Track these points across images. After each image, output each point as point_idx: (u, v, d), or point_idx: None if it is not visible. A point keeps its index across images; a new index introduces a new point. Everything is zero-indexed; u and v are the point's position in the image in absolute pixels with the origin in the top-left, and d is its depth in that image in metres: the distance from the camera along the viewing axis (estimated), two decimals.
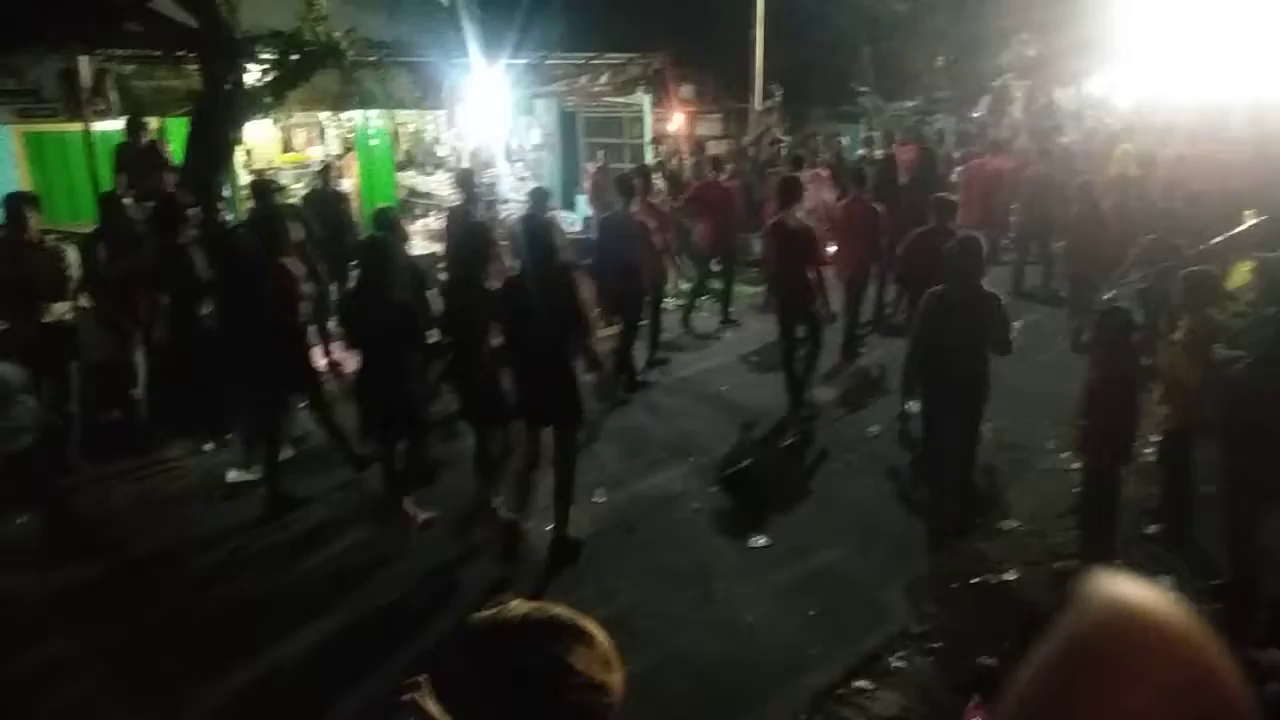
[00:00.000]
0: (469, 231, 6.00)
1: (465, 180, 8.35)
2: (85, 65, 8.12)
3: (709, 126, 16.58)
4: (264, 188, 7.48)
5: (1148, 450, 5.55)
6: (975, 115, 17.19)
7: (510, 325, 4.97)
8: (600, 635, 1.32)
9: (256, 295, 5.62)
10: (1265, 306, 4.76)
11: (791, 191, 7.07)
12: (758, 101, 14.48)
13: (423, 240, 11.27)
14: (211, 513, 5.78)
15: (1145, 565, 4.86)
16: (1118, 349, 4.67)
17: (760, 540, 5.30)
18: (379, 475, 5.62)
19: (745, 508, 5.74)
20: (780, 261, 7.01)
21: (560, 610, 1.35)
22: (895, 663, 4.22)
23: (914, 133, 14.26)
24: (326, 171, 9.39)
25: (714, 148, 14.94)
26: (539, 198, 8.02)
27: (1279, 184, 8.25)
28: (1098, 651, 0.70)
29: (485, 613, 1.36)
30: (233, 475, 6.15)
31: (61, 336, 6.25)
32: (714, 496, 5.89)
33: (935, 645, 4.32)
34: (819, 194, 9.57)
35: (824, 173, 10.76)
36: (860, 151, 13.80)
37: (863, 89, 18.36)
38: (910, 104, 18.55)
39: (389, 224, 6.64)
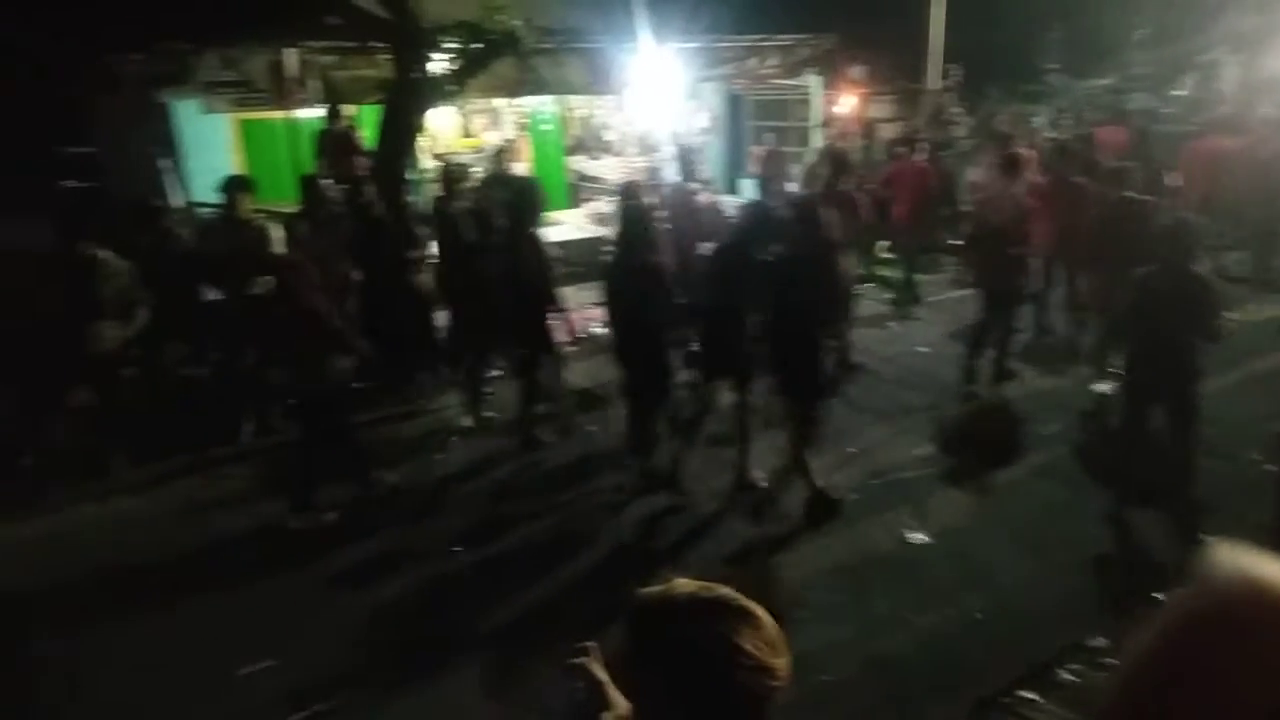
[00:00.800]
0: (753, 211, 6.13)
1: (684, 157, 8.55)
2: (291, 57, 8.78)
3: (881, 108, 16.03)
4: (456, 172, 7.94)
5: None
6: (1178, 94, 15.80)
7: (777, 298, 5.26)
8: (767, 618, 1.33)
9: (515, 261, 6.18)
10: None
11: (1013, 166, 7.13)
12: (934, 82, 13.86)
13: (590, 223, 11.57)
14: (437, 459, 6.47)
15: None
16: None
17: (919, 537, 5.15)
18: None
19: (908, 501, 5.58)
20: (988, 238, 6.99)
21: (728, 591, 1.35)
22: (1065, 676, 4.01)
23: (1109, 112, 13.28)
24: (501, 156, 9.80)
25: (886, 130, 14.48)
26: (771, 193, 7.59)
27: None
28: (1237, 617, 0.71)
29: (653, 588, 1.38)
30: (466, 422, 6.95)
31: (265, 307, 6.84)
32: (876, 488, 5.77)
33: (1110, 661, 4.07)
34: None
35: (1028, 152, 10.21)
36: (1050, 134, 12.99)
37: (1050, 66, 17.24)
38: (1103, 82, 17.28)
39: (636, 195, 6.67)
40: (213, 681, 4.07)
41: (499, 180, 9.05)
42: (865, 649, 4.24)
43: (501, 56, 8.77)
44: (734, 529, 5.40)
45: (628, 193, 6.69)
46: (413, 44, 8.03)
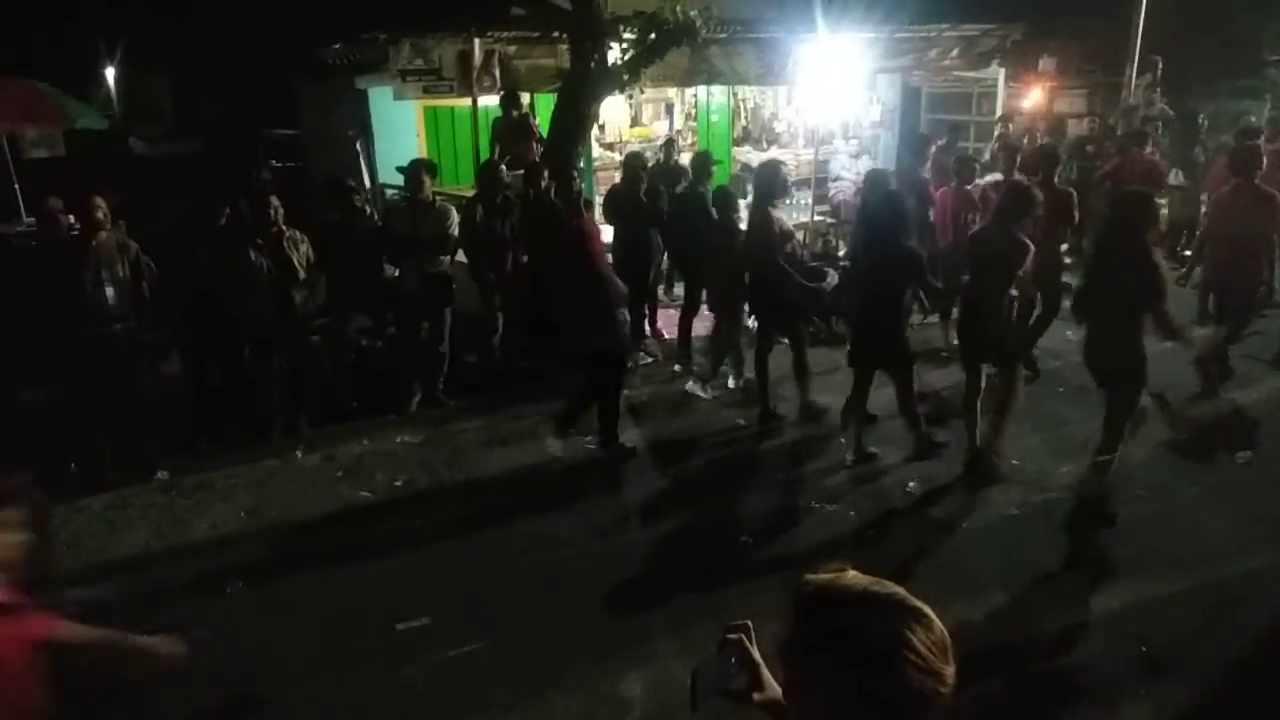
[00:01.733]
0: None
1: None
2: (477, 46, 9.21)
3: (1071, 102, 15.09)
4: (636, 162, 8.19)
5: None
6: None
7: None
8: (939, 624, 1.28)
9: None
10: None
11: (1250, 159, 6.80)
12: (1134, 73, 12.88)
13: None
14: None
15: None
16: None
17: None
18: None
19: (1065, 525, 5.28)
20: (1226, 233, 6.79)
21: (901, 590, 1.31)
22: None
23: None
24: (670, 146, 9.94)
25: (1075, 126, 13.62)
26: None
27: None
28: None
29: (823, 575, 1.35)
30: (691, 386, 7.38)
31: (441, 286, 7.24)
32: (1038, 508, 5.49)
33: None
34: None
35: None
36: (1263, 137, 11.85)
37: (1274, 58, 15.66)
38: None
39: (883, 183, 6.73)
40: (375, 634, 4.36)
41: (665, 170, 9.19)
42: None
43: (676, 46, 8.87)
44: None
45: (874, 181, 6.86)
46: (593, 34, 8.25)
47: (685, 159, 12.60)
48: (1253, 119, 12.10)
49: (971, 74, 12.32)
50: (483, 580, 4.79)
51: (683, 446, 6.49)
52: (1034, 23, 12.47)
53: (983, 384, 5.85)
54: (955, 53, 11.63)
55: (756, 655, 1.57)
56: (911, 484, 5.73)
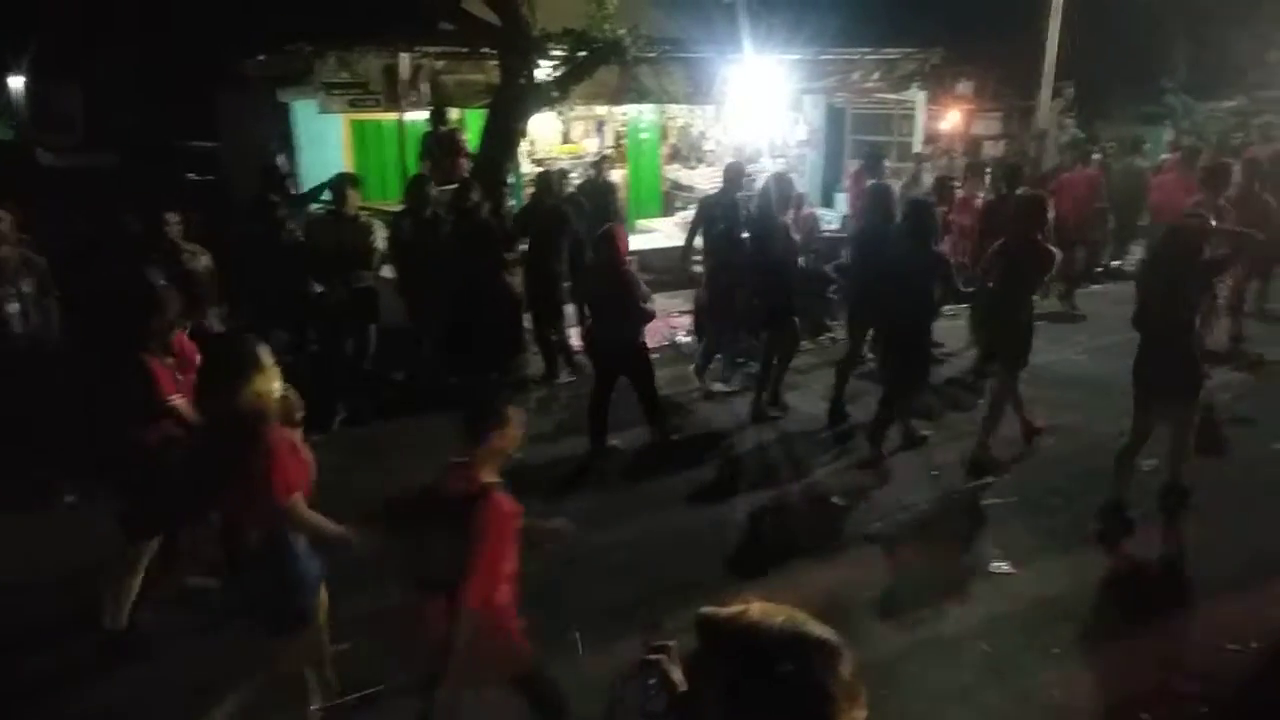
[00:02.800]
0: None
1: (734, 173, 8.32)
2: (405, 61, 9.13)
3: (987, 125, 15.63)
4: (555, 177, 8.19)
5: None
6: None
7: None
8: (850, 662, 1.23)
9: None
10: None
11: (1219, 178, 7.58)
12: (1046, 99, 13.43)
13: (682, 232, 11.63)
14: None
15: None
16: None
17: (1003, 567, 5.01)
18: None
19: (991, 530, 5.44)
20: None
21: (814, 625, 1.26)
22: (1145, 717, 3.85)
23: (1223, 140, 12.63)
24: (601, 163, 9.99)
25: (991, 148, 14.12)
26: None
27: None
28: None
29: (725, 610, 1.29)
30: (718, 387, 7.67)
31: (366, 301, 7.12)
32: (962, 513, 5.65)
33: (1200, 711, 3.89)
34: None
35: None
36: (1164, 156, 12.47)
37: (1170, 86, 16.50)
38: (1229, 104, 16.45)
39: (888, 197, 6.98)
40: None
41: (594, 187, 9.24)
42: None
43: (606, 64, 8.94)
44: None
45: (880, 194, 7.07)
46: (521, 50, 8.26)
47: (615, 176, 12.77)
48: (1147, 145, 12.66)
49: (893, 96, 12.68)
50: None
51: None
52: (952, 47, 12.89)
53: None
54: (877, 75, 11.97)
55: (678, 676, 1.54)
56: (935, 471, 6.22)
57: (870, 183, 7.76)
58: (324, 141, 11.27)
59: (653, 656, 1.56)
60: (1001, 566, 5.02)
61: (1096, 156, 10.88)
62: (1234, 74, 17.27)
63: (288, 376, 3.41)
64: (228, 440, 3.12)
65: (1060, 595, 4.77)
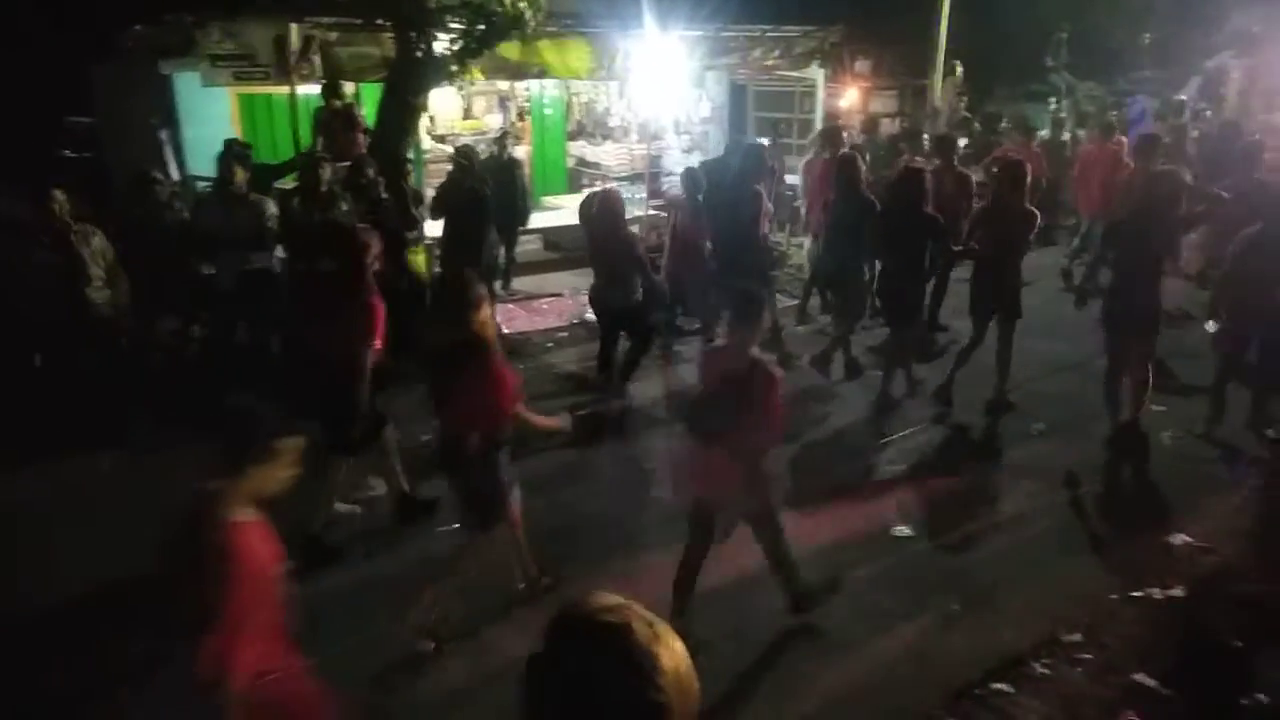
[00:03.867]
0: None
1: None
2: (295, 32, 8.75)
3: (884, 103, 16.04)
4: (466, 155, 8.05)
5: None
6: (1182, 98, 15.82)
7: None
8: (675, 655, 1.22)
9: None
10: None
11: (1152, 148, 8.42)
12: (938, 78, 13.85)
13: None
14: None
15: None
16: None
17: (904, 530, 5.19)
18: None
19: (891, 495, 5.62)
20: None
21: (641, 618, 1.24)
22: (1040, 669, 4.06)
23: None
24: (504, 139, 9.81)
25: (887, 125, 14.47)
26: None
27: None
28: None
29: (585, 604, 1.27)
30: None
31: (260, 284, 6.85)
32: (852, 481, 5.82)
33: (1085, 656, 4.12)
34: None
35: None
36: (1043, 133, 13.01)
37: (1052, 66, 17.22)
38: (1107, 85, 17.26)
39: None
40: None
41: (498, 164, 9.10)
42: (835, 640, 4.28)
43: (506, 38, 8.76)
44: None
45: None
46: (417, 22, 8.02)
47: (521, 152, 12.60)
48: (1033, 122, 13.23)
49: (794, 74, 12.84)
50: None
51: None
52: (851, 26, 13.13)
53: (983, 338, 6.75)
54: (777, 52, 12.10)
55: None
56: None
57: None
58: (210, 116, 10.72)
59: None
60: (903, 530, 5.20)
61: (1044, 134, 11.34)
62: (1110, 56, 18.14)
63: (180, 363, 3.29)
64: (465, 361, 3.83)
65: (959, 553, 4.98)
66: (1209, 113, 13.95)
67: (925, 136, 11.99)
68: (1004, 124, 12.86)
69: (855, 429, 6.66)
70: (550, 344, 8.44)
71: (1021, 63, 17.54)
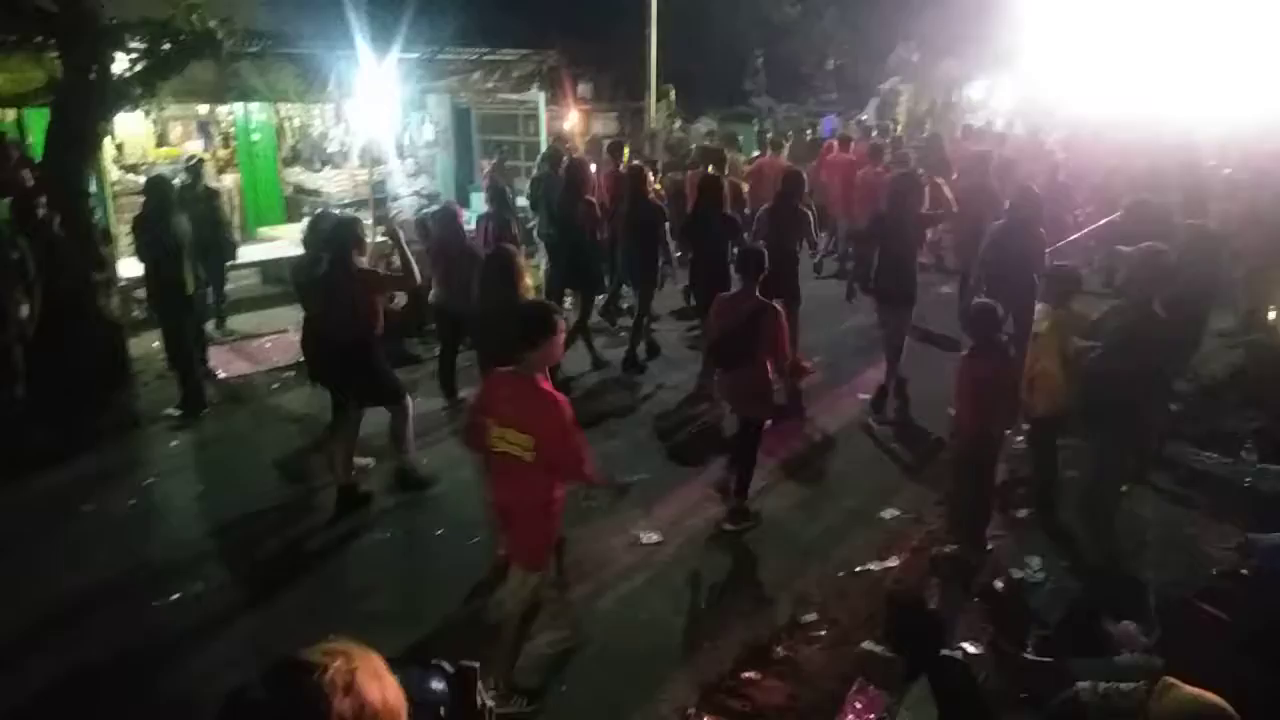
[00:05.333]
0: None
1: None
2: None
3: (605, 124, 16.60)
4: (156, 183, 7.27)
5: (1019, 439, 5.84)
6: (863, 117, 17.76)
7: None
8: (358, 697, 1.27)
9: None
10: (1116, 299, 5.06)
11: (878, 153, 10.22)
12: (653, 101, 14.57)
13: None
14: None
15: (1015, 547, 5.12)
16: (989, 343, 4.90)
17: (653, 537, 5.33)
18: None
19: (635, 503, 5.75)
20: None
21: (345, 657, 1.30)
22: (783, 652, 4.31)
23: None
24: (197, 167, 8.90)
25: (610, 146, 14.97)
26: None
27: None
28: None
29: (312, 652, 1.31)
30: None
31: None
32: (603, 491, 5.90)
33: (820, 634, 4.43)
34: None
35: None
36: (755, 152, 14.07)
37: (752, 90, 18.71)
38: (801, 106, 18.99)
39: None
40: None
41: (192, 195, 8.32)
42: (589, 649, 4.31)
43: (198, 58, 8.05)
44: None
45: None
46: (84, 41, 7.15)
47: (229, 180, 11.68)
48: (740, 138, 14.31)
49: (515, 97, 12.94)
50: None
51: None
52: (567, 50, 13.45)
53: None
54: (497, 76, 12.12)
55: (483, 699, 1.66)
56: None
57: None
58: None
59: (454, 668, 1.66)
60: (651, 536, 5.34)
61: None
62: (801, 80, 20.01)
63: None
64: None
65: (701, 552, 5.19)
66: (896, 128, 15.75)
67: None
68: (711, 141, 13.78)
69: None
70: (276, 385, 7.85)
71: (729, 87, 18.88)
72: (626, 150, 10.70)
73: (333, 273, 5.36)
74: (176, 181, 8.27)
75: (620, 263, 8.73)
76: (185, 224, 7.19)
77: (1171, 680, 2.33)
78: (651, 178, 9.44)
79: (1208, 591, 3.87)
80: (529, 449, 3.47)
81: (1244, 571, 4.40)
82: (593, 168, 9.08)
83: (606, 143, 11.20)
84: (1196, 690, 2.26)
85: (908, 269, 7.00)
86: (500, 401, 3.60)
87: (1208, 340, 7.06)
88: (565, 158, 9.49)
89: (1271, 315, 7.73)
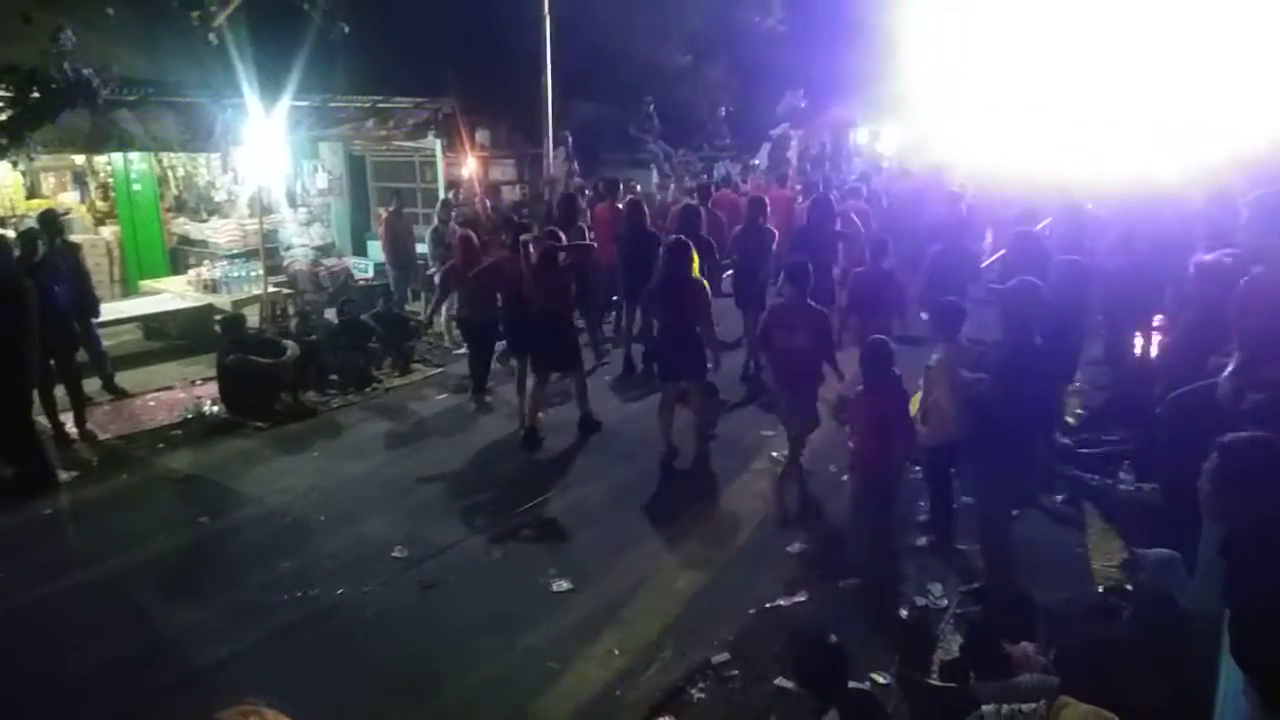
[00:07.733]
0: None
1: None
2: None
3: (503, 171, 16.60)
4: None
5: (916, 468, 6.02)
6: (756, 162, 18.32)
7: None
8: None
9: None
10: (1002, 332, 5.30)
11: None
12: (550, 148, 14.67)
13: (196, 290, 10.53)
14: None
15: (916, 575, 5.25)
16: (887, 378, 5.07)
17: (563, 584, 5.25)
18: None
19: (545, 550, 5.68)
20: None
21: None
22: (697, 695, 4.28)
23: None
24: (54, 222, 7.92)
25: (509, 192, 15.00)
26: None
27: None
28: None
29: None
30: None
31: None
32: (508, 542, 5.80)
33: (734, 673, 4.43)
34: None
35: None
36: (656, 195, 14.31)
37: (648, 136, 19.07)
38: (696, 152, 19.45)
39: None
40: None
41: (51, 250, 7.57)
42: (503, 706, 4.20)
43: (71, 107, 7.73)
44: None
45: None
46: None
47: (108, 233, 11.18)
48: (637, 187, 14.54)
49: (411, 144, 12.82)
50: None
51: None
52: (463, 97, 13.42)
53: None
54: (391, 123, 11.99)
55: None
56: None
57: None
58: None
59: None
60: (562, 584, 5.26)
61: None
62: (695, 126, 20.50)
63: None
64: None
65: (614, 599, 5.14)
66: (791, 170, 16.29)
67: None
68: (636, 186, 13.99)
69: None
70: (162, 444, 7.46)
71: (622, 133, 19.19)
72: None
73: None
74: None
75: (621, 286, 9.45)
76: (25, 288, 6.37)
77: (1066, 699, 2.41)
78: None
79: (1098, 608, 4.04)
80: None
81: (1129, 587, 4.63)
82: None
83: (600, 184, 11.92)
84: (1090, 707, 2.35)
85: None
86: None
87: (1082, 368, 7.47)
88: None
89: (1138, 343, 8.20)
